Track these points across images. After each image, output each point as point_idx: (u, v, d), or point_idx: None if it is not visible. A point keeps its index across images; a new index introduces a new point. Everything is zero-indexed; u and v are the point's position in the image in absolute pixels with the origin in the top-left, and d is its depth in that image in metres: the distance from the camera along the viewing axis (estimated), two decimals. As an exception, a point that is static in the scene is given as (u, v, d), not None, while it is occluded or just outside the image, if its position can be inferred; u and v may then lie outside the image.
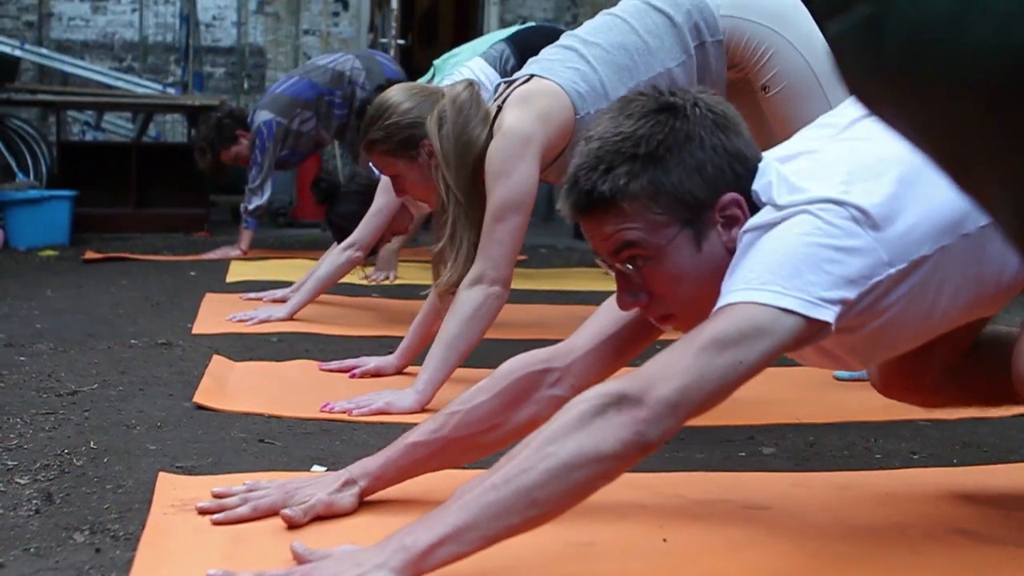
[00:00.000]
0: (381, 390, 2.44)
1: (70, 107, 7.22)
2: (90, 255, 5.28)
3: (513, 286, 2.51)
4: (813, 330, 1.40)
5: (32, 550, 1.51)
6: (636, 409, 1.32)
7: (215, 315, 3.60)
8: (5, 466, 1.90)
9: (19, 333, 3.22)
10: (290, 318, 3.54)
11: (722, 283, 1.46)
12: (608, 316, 1.76)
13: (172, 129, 8.23)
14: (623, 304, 1.58)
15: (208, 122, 5.50)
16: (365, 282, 4.49)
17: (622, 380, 1.36)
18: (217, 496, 1.70)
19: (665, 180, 1.48)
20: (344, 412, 2.33)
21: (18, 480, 1.83)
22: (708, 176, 1.49)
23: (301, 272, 4.42)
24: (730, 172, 1.51)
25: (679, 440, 2.24)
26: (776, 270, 1.39)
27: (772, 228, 1.45)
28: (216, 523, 1.62)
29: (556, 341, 1.79)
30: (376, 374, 2.76)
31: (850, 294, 1.41)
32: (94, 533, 1.58)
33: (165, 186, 6.64)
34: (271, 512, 1.64)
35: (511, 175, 2.41)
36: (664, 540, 1.62)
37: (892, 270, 1.44)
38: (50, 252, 5.51)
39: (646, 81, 2.54)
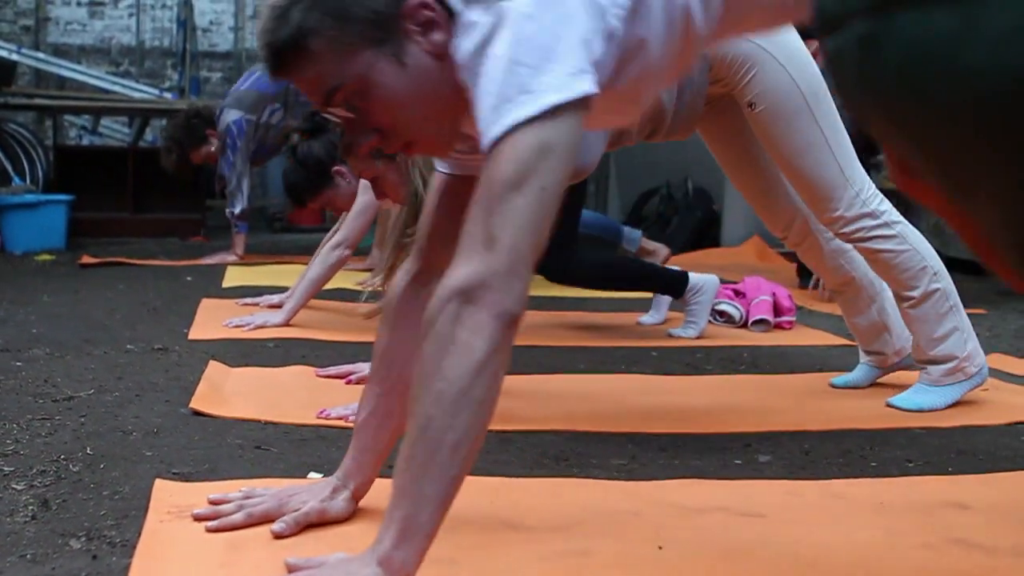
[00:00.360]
0: None
1: (67, 111, 7.22)
2: (86, 260, 5.28)
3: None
4: (584, 105, 1.35)
5: (28, 556, 1.51)
6: (481, 294, 1.30)
7: (212, 320, 3.60)
8: (1, 472, 1.90)
9: (15, 338, 3.21)
10: (287, 323, 3.54)
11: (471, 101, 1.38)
12: (431, 196, 1.74)
13: (169, 134, 8.23)
14: (359, 149, 1.53)
15: (176, 121, 5.49)
16: (360, 288, 4.49)
17: (453, 275, 1.32)
18: (213, 503, 1.71)
19: (338, 3, 1.43)
20: (341, 418, 2.33)
21: (14, 486, 1.83)
22: None
23: (297, 277, 4.42)
24: None
25: (675, 447, 2.25)
26: (515, 77, 1.32)
27: (490, 32, 1.37)
28: (211, 530, 1.62)
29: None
30: None
31: (595, 50, 1.37)
32: (91, 540, 1.58)
33: (161, 191, 6.63)
34: (266, 519, 1.64)
35: None
36: (660, 548, 1.63)
37: (618, 9, 1.40)
38: (46, 256, 5.50)
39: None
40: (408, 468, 1.33)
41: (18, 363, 2.86)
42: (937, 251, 5.77)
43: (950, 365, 2.66)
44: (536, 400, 2.64)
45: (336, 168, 3.58)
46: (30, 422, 2.25)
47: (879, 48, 0.51)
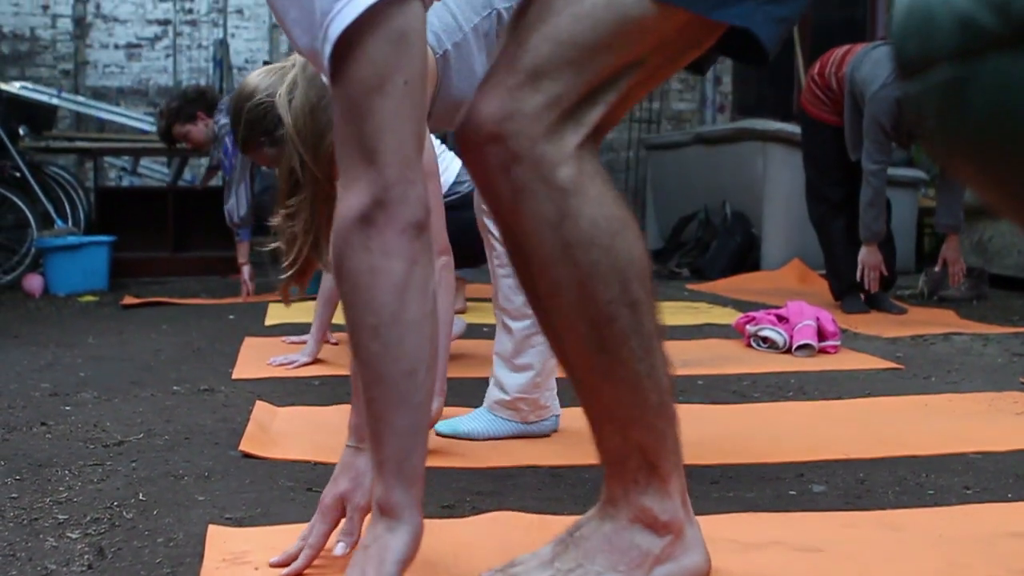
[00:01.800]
0: None
1: (107, 153, 7.30)
2: (129, 300, 5.32)
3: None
4: None
5: (87, 607, 1.51)
6: (378, 214, 1.28)
7: (255, 359, 3.62)
8: (56, 520, 1.91)
9: (64, 382, 3.24)
10: (317, 353, 3.54)
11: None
12: None
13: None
14: None
15: (175, 93, 5.56)
16: None
17: (345, 204, 1.30)
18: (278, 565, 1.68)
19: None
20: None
21: (69, 535, 1.83)
22: None
23: (342, 314, 4.40)
24: None
25: (727, 479, 2.23)
26: None
27: None
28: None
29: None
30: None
31: None
32: (147, 589, 1.58)
33: (201, 229, 6.68)
34: (324, 540, 1.63)
35: None
36: (719, 586, 1.60)
37: None
38: (89, 298, 5.55)
39: (500, 7, 2.41)
40: (372, 412, 1.32)
41: (67, 407, 2.88)
42: (981, 268, 5.72)
43: (506, 398, 2.54)
44: (584, 435, 2.61)
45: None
46: (82, 468, 2.26)
47: (966, 93, 0.50)
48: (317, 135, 1.89)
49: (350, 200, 1.29)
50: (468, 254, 2.96)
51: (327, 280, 3.65)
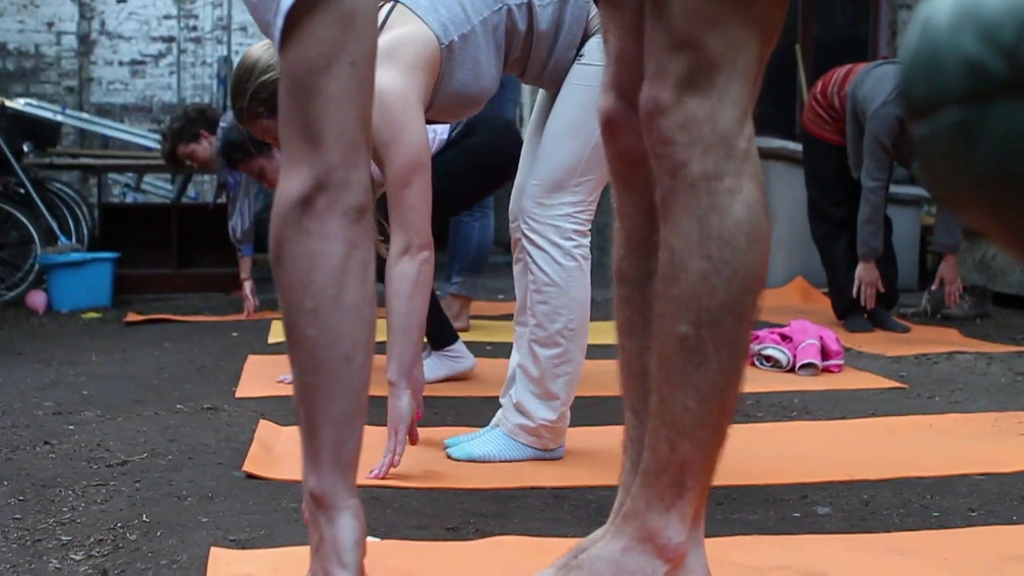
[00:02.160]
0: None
1: (111, 170, 7.31)
2: (132, 317, 5.32)
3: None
4: None
5: (90, 631, 1.51)
6: (319, 197, 1.27)
7: (259, 378, 3.61)
8: (60, 541, 1.91)
9: (67, 400, 3.24)
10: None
11: None
12: None
13: (211, 190, 8.31)
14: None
15: (176, 114, 5.56)
16: None
17: (287, 185, 1.29)
18: None
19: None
20: (389, 467, 2.33)
21: (73, 556, 1.83)
22: None
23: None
24: None
25: (732, 500, 2.22)
26: None
27: None
28: None
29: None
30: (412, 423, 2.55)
31: None
32: (151, 612, 1.58)
33: (205, 246, 6.69)
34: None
35: (402, 138, 2.31)
36: (724, 610, 1.60)
37: None
38: (93, 314, 5.55)
39: (511, 3, 2.42)
40: (307, 398, 1.32)
41: (70, 426, 2.88)
42: (984, 286, 5.71)
43: (530, 424, 2.53)
44: (588, 455, 2.62)
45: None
46: (85, 488, 2.26)
47: (974, 136, 0.51)
48: None
49: (292, 182, 1.28)
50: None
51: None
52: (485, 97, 2.49)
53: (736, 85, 1.33)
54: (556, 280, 2.45)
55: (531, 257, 2.48)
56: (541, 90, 2.62)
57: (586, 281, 2.49)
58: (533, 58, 2.49)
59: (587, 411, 3.07)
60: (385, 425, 2.86)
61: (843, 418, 3.13)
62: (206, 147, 5.41)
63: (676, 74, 1.32)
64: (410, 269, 2.36)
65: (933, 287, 5.06)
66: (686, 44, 1.31)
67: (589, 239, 2.51)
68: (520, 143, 2.79)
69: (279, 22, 1.26)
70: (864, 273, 4.76)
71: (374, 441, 2.72)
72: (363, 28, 1.29)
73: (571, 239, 2.46)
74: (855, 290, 4.79)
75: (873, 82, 4.66)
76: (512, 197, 2.61)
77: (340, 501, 1.33)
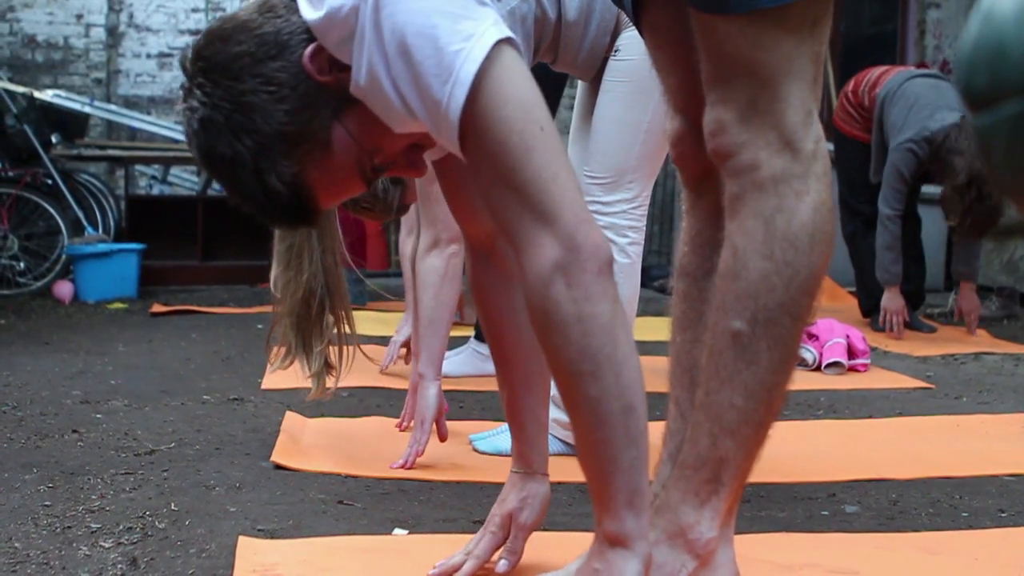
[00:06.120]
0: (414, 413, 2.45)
1: (137, 162, 7.34)
2: (158, 308, 5.34)
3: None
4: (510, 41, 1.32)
5: (121, 618, 1.52)
6: (573, 264, 1.28)
7: (284, 369, 3.61)
8: (89, 529, 1.92)
9: (95, 390, 3.25)
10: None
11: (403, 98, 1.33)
12: (435, 185, 1.77)
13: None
14: (418, 172, 1.52)
15: None
16: None
17: (536, 265, 1.30)
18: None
19: (271, 132, 1.37)
20: (415, 457, 2.34)
21: (102, 543, 1.84)
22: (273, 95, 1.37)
23: (370, 324, 4.42)
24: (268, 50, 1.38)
25: (760, 498, 2.21)
26: (437, 41, 1.28)
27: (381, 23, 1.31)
28: None
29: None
30: (439, 413, 2.55)
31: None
32: (181, 600, 1.59)
33: (230, 238, 6.71)
34: (489, 554, 1.67)
35: None
36: (753, 607, 1.59)
37: None
38: (119, 305, 5.58)
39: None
40: (596, 452, 1.33)
41: (98, 415, 2.89)
42: (1012, 287, 5.67)
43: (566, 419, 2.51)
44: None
45: None
46: (114, 477, 2.27)
47: (1035, 127, 0.50)
48: None
49: (538, 256, 1.30)
50: None
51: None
52: None
53: (796, 89, 1.34)
54: None
55: None
56: (580, 83, 2.62)
57: (636, 280, 2.49)
58: (564, 46, 2.47)
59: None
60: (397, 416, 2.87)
61: (870, 417, 3.11)
62: None
63: (736, 100, 1.35)
64: (439, 263, 2.36)
65: (955, 317, 5.06)
66: (739, 69, 1.33)
67: (644, 234, 2.50)
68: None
69: (451, 123, 1.29)
70: (889, 302, 4.74)
71: (400, 435, 2.73)
72: (531, 91, 1.32)
73: (626, 236, 2.45)
74: (881, 319, 4.77)
75: (903, 105, 4.59)
76: None
77: (636, 544, 1.35)
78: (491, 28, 1.30)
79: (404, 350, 3.68)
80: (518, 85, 1.30)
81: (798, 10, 1.33)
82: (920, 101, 4.56)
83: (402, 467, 2.35)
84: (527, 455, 1.71)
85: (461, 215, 1.74)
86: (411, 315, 3.52)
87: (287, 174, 1.38)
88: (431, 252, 2.38)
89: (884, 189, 4.63)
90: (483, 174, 1.33)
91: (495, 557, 1.68)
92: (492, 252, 1.72)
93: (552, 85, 3.62)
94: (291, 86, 1.37)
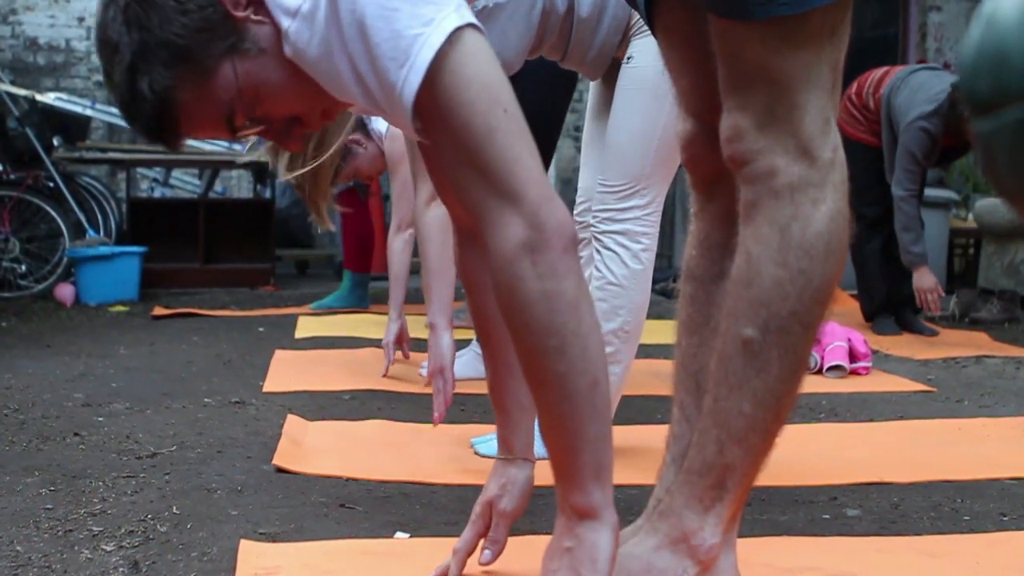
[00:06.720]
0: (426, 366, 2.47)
1: (139, 164, 7.34)
2: (159, 311, 5.34)
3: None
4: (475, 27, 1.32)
5: (123, 621, 1.52)
6: (538, 241, 1.29)
7: (285, 373, 3.63)
8: (91, 532, 1.92)
9: (96, 393, 3.26)
10: (400, 324, 3.62)
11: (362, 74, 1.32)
12: (421, 162, 1.77)
13: (238, 185, 8.34)
14: (291, 144, 1.48)
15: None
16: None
17: (501, 242, 1.31)
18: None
19: (164, 41, 1.33)
20: (445, 407, 2.38)
21: (104, 547, 1.84)
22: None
23: (372, 327, 4.42)
24: None
25: (760, 501, 2.21)
26: (396, 24, 1.28)
27: None
28: None
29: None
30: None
31: None
32: (182, 603, 1.59)
33: (231, 241, 6.72)
34: (473, 545, 1.67)
35: None
36: (755, 611, 1.59)
37: None
38: (120, 308, 5.58)
39: None
40: (562, 426, 1.35)
41: (100, 418, 2.89)
42: (1013, 290, 5.67)
43: None
44: (618, 454, 2.59)
45: (350, 138, 3.56)
46: (115, 480, 2.27)
47: (1039, 134, 0.50)
48: None
49: (503, 235, 1.30)
50: None
51: (396, 263, 3.65)
52: (512, 67, 2.46)
53: (815, 97, 1.34)
54: (621, 281, 2.45)
55: (599, 256, 2.48)
56: (592, 83, 2.63)
57: (647, 286, 2.49)
58: (574, 43, 2.47)
59: (618, 411, 3.07)
60: (404, 421, 2.88)
61: (871, 420, 3.11)
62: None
63: (753, 106, 1.35)
64: (439, 212, 2.37)
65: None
66: (757, 76, 1.34)
67: (656, 240, 2.51)
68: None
69: (407, 100, 1.28)
70: (920, 280, 4.67)
71: (402, 438, 2.74)
72: (496, 71, 1.32)
73: (639, 242, 2.45)
74: (918, 300, 4.71)
75: (909, 91, 4.62)
76: (578, 198, 2.65)
77: (604, 513, 1.37)
78: (452, 14, 1.29)
79: (399, 352, 3.70)
80: (480, 68, 1.30)
81: (817, 18, 1.33)
82: (925, 85, 4.58)
83: (436, 421, 2.38)
84: (509, 439, 1.70)
85: (446, 195, 1.72)
86: (396, 314, 3.57)
87: (159, 85, 1.33)
88: (431, 204, 2.38)
89: (897, 171, 4.61)
90: (447, 155, 1.33)
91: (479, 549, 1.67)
92: (477, 231, 1.71)
93: (563, 85, 3.64)
94: (200, 4, 1.33)
